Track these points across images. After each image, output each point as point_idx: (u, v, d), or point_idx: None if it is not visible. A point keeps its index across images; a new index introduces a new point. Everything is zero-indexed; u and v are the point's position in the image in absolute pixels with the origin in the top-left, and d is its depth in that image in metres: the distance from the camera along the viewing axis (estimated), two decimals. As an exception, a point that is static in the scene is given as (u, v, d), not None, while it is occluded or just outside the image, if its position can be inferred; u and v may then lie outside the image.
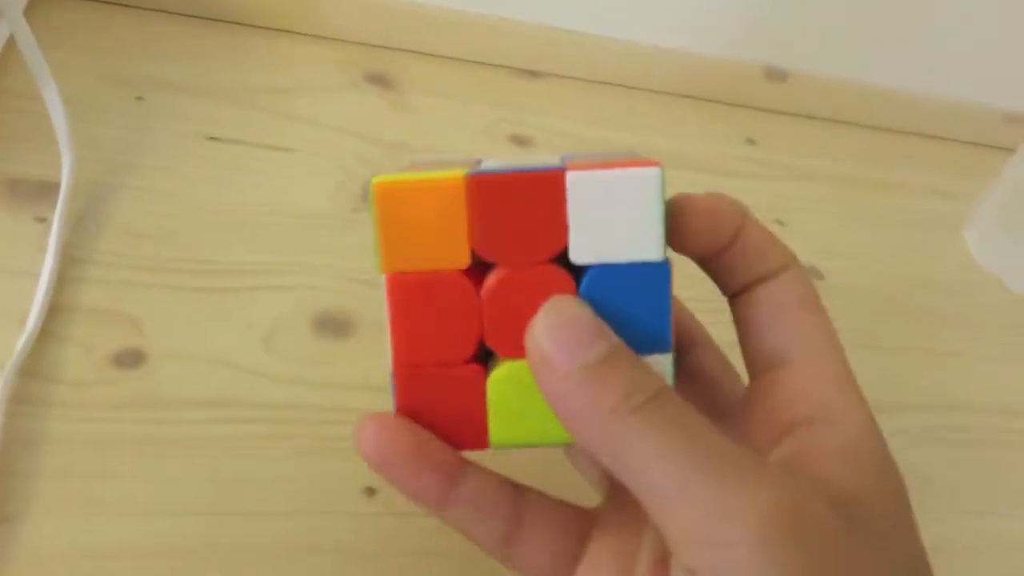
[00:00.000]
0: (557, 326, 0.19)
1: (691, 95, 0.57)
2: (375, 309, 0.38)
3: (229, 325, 0.36)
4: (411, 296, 0.20)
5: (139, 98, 0.44)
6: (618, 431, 0.18)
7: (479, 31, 0.53)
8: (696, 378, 0.25)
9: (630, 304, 0.20)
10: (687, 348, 0.25)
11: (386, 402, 0.34)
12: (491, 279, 0.20)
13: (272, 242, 0.39)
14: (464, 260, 0.20)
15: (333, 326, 0.37)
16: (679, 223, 0.21)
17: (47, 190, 0.37)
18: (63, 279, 0.35)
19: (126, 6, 0.48)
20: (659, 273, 0.20)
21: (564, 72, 0.55)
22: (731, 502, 0.17)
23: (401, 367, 0.21)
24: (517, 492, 0.22)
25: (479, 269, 0.20)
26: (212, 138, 0.43)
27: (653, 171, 0.19)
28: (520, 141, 0.50)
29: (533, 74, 0.54)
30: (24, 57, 0.37)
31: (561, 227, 0.20)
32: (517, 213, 0.20)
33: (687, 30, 0.55)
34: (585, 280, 0.20)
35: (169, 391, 0.33)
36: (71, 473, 0.30)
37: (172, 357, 0.34)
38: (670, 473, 0.17)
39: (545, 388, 0.19)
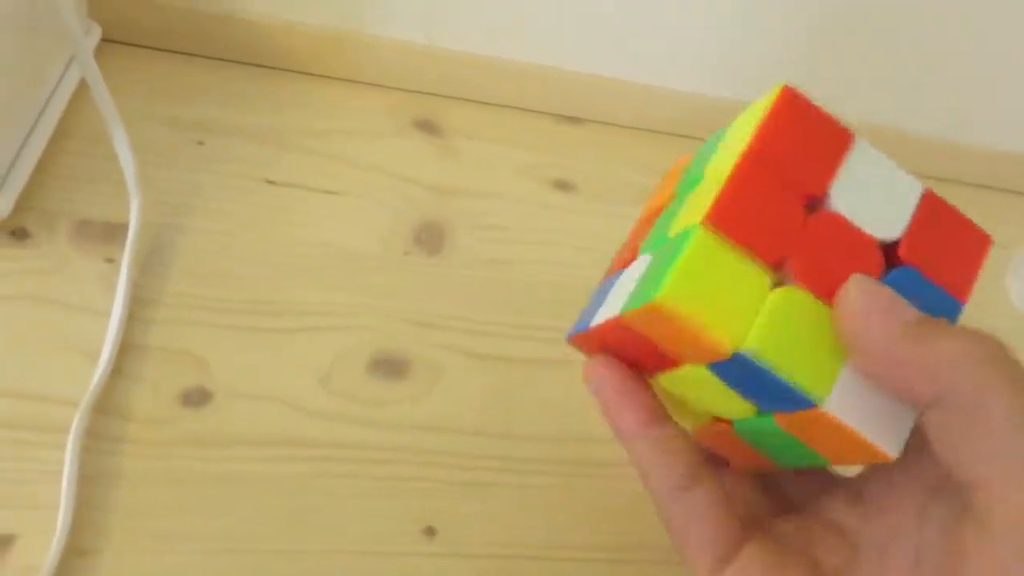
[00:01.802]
0: (874, 293, 0.20)
1: (728, 141, 0.58)
2: (428, 350, 0.39)
3: (288, 365, 0.36)
4: (753, 186, 0.22)
5: (199, 143, 0.45)
6: (959, 374, 0.19)
7: (523, 79, 0.54)
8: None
9: (923, 302, 0.21)
10: None
11: (442, 442, 0.35)
12: (822, 214, 0.22)
13: (327, 283, 0.40)
14: (766, 283, 0.21)
15: (388, 367, 0.38)
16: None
17: (115, 231, 0.39)
18: (131, 318, 0.36)
19: (186, 54, 0.50)
20: (952, 308, 0.22)
21: (605, 119, 0.56)
22: None
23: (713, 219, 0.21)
24: (702, 458, 0.23)
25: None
26: (269, 181, 0.44)
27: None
28: (562, 186, 0.51)
29: (575, 120, 0.56)
30: (95, 101, 0.39)
31: (903, 220, 0.22)
32: (756, 206, 0.21)
33: (723, 77, 0.57)
34: (893, 273, 0.22)
35: (234, 429, 0.34)
36: (143, 509, 0.30)
37: (236, 396, 0.35)
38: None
39: (872, 344, 0.20)
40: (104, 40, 0.47)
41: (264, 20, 0.50)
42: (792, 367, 0.20)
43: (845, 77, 0.57)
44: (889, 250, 0.22)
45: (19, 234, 0.37)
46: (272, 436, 0.34)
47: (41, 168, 0.39)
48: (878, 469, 0.23)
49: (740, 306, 0.20)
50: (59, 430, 0.31)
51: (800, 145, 0.22)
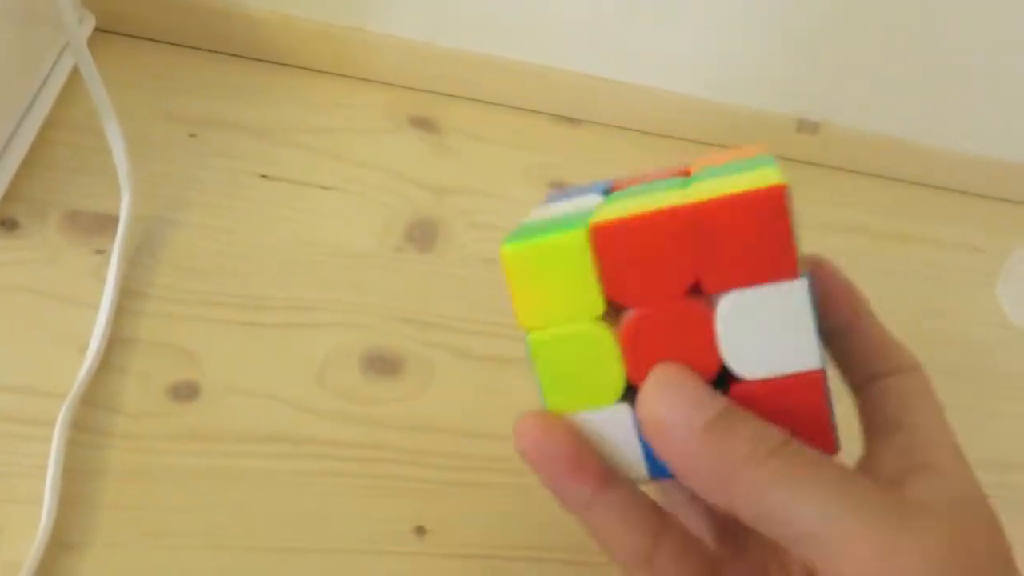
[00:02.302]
0: (669, 391, 0.19)
1: (723, 144, 0.58)
2: (422, 349, 0.39)
3: (281, 361, 0.36)
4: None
5: (192, 135, 0.45)
6: (757, 478, 0.18)
7: (520, 78, 0.54)
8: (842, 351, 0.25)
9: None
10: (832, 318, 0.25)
11: (433, 441, 0.35)
12: (627, 320, 0.20)
13: (321, 280, 0.40)
14: (599, 308, 0.20)
15: (381, 364, 0.37)
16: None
17: (105, 223, 0.38)
18: (121, 311, 0.35)
19: (180, 45, 0.50)
20: (798, 292, 0.20)
21: (602, 120, 0.56)
22: (901, 542, 0.17)
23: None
24: (660, 515, 0.22)
25: (614, 312, 0.21)
26: (263, 176, 0.44)
27: (798, 284, 0.20)
28: (558, 186, 0.51)
29: (572, 121, 0.56)
30: (88, 91, 0.39)
31: (689, 263, 0.20)
32: (646, 254, 0.20)
33: (722, 81, 0.57)
34: (720, 309, 0.20)
35: (224, 424, 0.33)
36: (130, 504, 0.30)
37: (226, 391, 0.34)
38: (828, 517, 0.17)
39: (668, 452, 0.19)
40: (97, 30, 0.46)
41: (262, 14, 0.50)
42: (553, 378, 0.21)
43: (837, 81, 0.57)
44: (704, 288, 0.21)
45: (8, 224, 0.37)
46: (263, 432, 0.33)
47: (31, 158, 0.39)
48: None
49: (561, 306, 0.20)
50: (45, 423, 0.31)
51: (742, 244, 0.20)
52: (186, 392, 0.34)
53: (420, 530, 0.33)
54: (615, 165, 0.53)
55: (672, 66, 0.55)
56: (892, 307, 0.50)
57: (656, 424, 0.19)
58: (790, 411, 0.20)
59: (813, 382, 0.20)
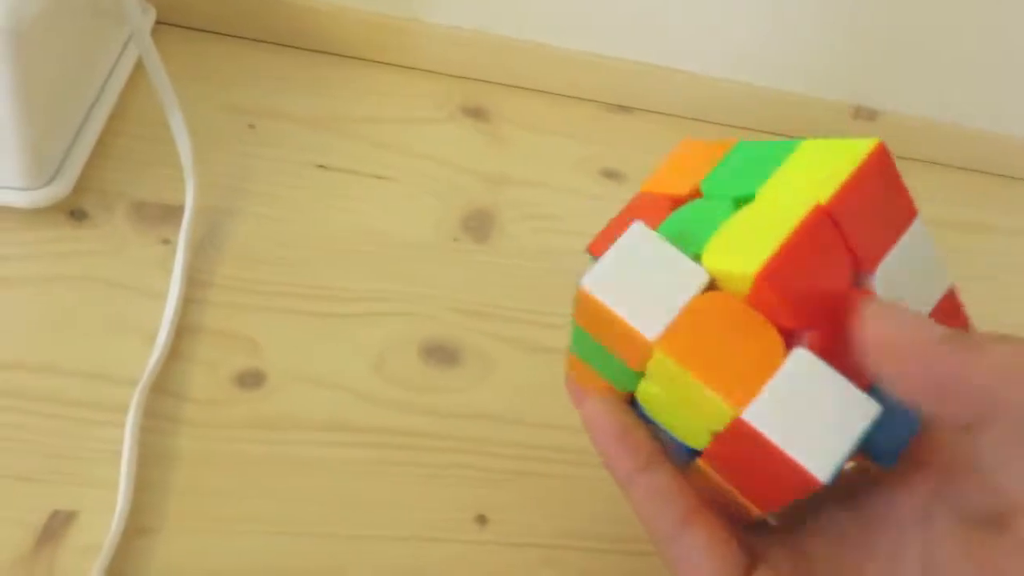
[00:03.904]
0: (895, 308, 0.20)
1: (781, 133, 0.57)
2: (480, 339, 0.39)
3: (341, 350, 0.37)
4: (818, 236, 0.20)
5: (251, 126, 0.45)
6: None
7: (571, 67, 0.54)
8: None
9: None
10: None
11: (493, 430, 0.35)
12: (811, 342, 0.20)
13: (379, 270, 0.40)
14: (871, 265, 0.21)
15: (440, 354, 0.38)
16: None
17: (170, 213, 0.39)
18: (186, 300, 0.36)
19: (238, 37, 0.50)
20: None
21: (653, 108, 0.56)
22: None
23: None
24: (696, 504, 0.22)
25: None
26: (320, 166, 0.45)
27: (917, 222, 0.20)
28: (611, 175, 0.51)
29: (624, 109, 0.55)
30: (152, 83, 0.39)
31: (845, 256, 0.20)
32: (814, 272, 0.20)
33: (778, 68, 0.56)
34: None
35: (288, 412, 0.34)
36: (200, 490, 0.31)
37: (290, 379, 0.35)
38: None
39: (911, 351, 0.19)
40: (158, 22, 0.47)
41: (317, 5, 0.50)
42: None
43: (894, 68, 0.56)
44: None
45: (78, 215, 0.38)
46: (326, 421, 0.34)
47: (99, 150, 0.40)
48: (872, 481, 0.23)
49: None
50: (118, 409, 0.31)
51: (873, 211, 0.20)
52: (252, 380, 0.34)
53: (482, 519, 0.33)
54: (665, 153, 0.53)
55: (726, 53, 0.55)
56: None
57: (895, 334, 0.19)
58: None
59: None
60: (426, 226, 0.43)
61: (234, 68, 0.48)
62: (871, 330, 0.19)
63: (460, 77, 0.53)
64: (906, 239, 0.21)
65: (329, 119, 0.47)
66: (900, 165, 0.64)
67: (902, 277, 0.20)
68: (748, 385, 0.19)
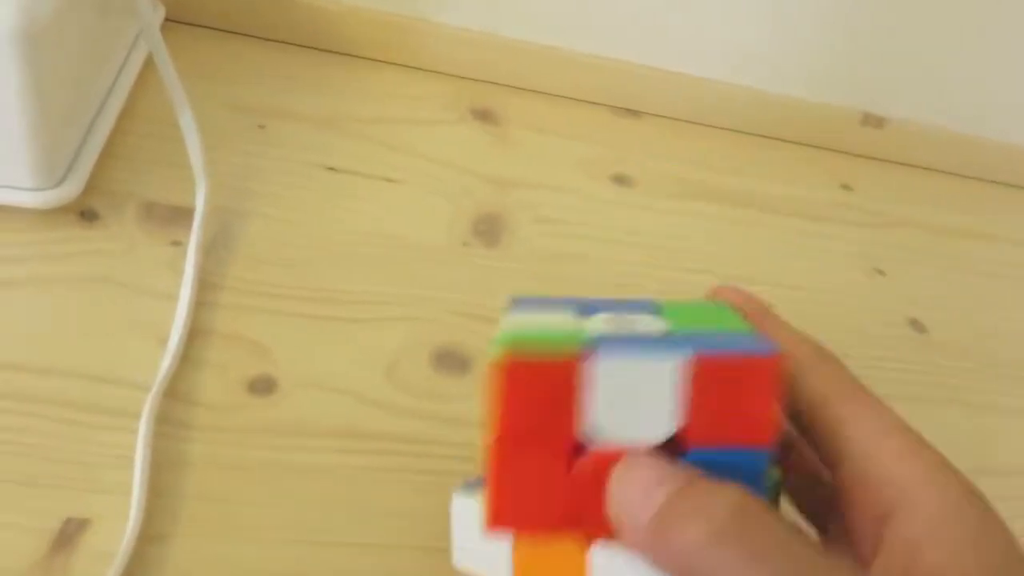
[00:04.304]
0: (625, 484, 0.19)
1: (787, 139, 0.57)
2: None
3: (352, 355, 0.36)
4: (517, 463, 0.21)
5: (261, 126, 0.45)
6: (706, 566, 0.17)
7: (580, 69, 0.54)
8: (797, 479, 0.25)
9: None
10: (781, 453, 0.25)
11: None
12: (586, 459, 0.20)
13: (390, 274, 0.40)
14: (572, 439, 0.20)
15: (452, 361, 0.38)
16: None
17: (180, 215, 0.39)
18: (197, 303, 0.36)
19: (247, 35, 0.50)
20: (759, 462, 0.20)
21: (663, 112, 0.56)
22: None
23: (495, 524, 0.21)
24: None
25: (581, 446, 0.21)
26: (330, 168, 0.44)
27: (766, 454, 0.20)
28: (620, 180, 0.50)
29: (633, 113, 0.55)
30: (163, 81, 0.39)
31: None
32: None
33: (786, 73, 0.56)
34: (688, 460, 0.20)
35: (299, 419, 0.34)
36: (212, 496, 0.30)
37: (301, 385, 0.35)
38: None
39: (630, 546, 0.19)
40: (167, 20, 0.47)
41: (326, 4, 0.50)
42: None
43: (903, 75, 0.56)
44: (678, 443, 0.20)
45: (88, 215, 0.37)
46: (338, 427, 0.34)
47: (108, 148, 0.39)
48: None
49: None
50: (130, 414, 0.31)
51: (540, 401, 0.20)
52: (263, 386, 0.34)
53: (494, 528, 0.33)
54: (675, 159, 0.53)
55: (734, 58, 0.55)
56: (964, 306, 0.49)
57: (616, 520, 0.19)
58: None
59: None
60: (436, 229, 0.43)
61: (243, 67, 0.48)
62: (609, 499, 0.20)
63: (469, 78, 0.53)
64: (592, 383, 0.20)
65: (338, 119, 0.47)
66: (905, 173, 0.65)
67: (621, 410, 0.20)
68: None
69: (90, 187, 0.37)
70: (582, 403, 0.20)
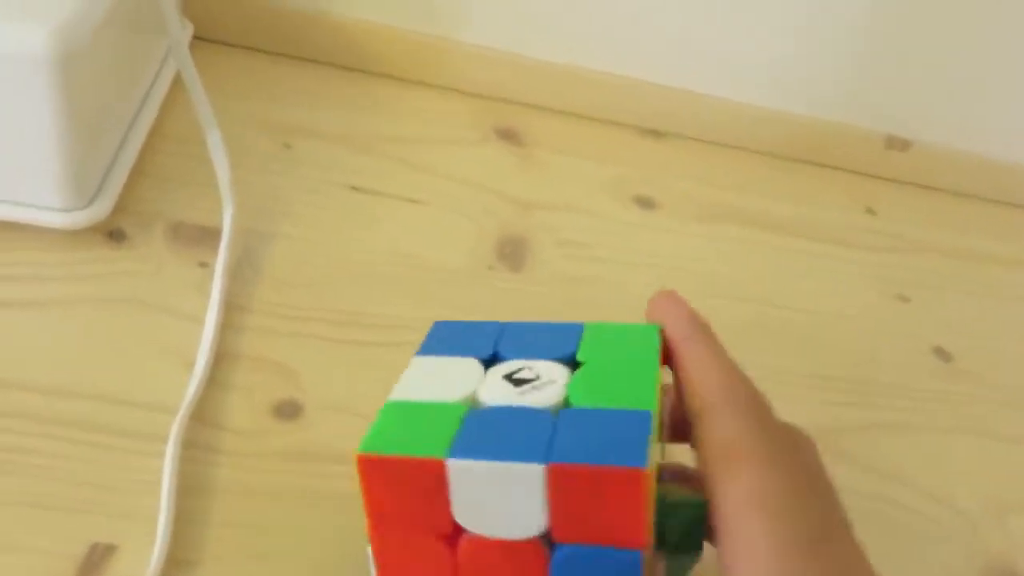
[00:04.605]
0: None
1: (811, 160, 0.57)
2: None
3: (377, 380, 0.36)
4: (398, 551, 0.22)
5: (287, 145, 0.45)
6: None
7: (603, 89, 0.54)
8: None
9: None
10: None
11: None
12: (464, 544, 0.21)
13: (414, 296, 0.40)
14: (446, 527, 0.21)
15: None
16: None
17: (207, 235, 0.39)
18: (223, 325, 0.36)
19: (272, 53, 0.50)
20: (633, 563, 0.20)
21: (687, 133, 0.55)
22: None
23: None
24: None
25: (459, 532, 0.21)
26: (354, 188, 0.44)
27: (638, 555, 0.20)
28: (643, 202, 0.50)
29: (657, 134, 0.55)
30: (191, 101, 0.39)
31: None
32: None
33: (810, 95, 0.55)
34: (557, 557, 0.20)
35: (325, 445, 0.34)
36: (238, 523, 0.30)
37: (326, 409, 0.35)
38: None
39: None
40: (193, 37, 0.47)
41: (352, 23, 0.50)
42: None
43: (928, 98, 0.56)
44: (545, 538, 0.21)
45: (116, 236, 0.38)
46: (362, 453, 0.34)
47: (136, 167, 0.40)
48: None
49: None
50: (157, 438, 0.31)
51: (407, 497, 0.21)
52: (289, 411, 0.34)
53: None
54: (698, 180, 0.53)
55: (759, 79, 0.54)
56: (991, 333, 0.49)
57: None
58: None
59: None
60: (460, 251, 0.43)
61: (270, 84, 0.48)
62: None
63: (492, 98, 0.53)
64: (456, 483, 0.21)
65: (363, 138, 0.47)
66: (930, 196, 0.64)
67: (487, 509, 0.21)
68: None
69: (118, 207, 0.37)
70: (445, 498, 0.21)
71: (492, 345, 0.25)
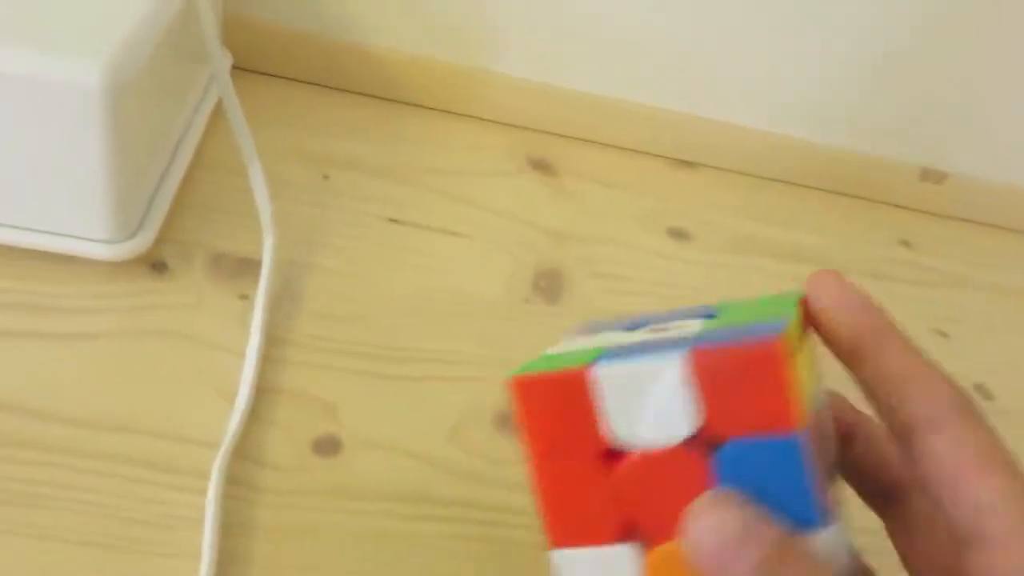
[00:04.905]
0: (718, 526, 0.19)
1: (845, 192, 0.57)
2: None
3: (416, 415, 0.36)
4: (557, 478, 0.21)
5: (325, 176, 0.45)
6: None
7: (637, 120, 0.54)
8: (860, 473, 0.24)
9: (770, 481, 0.19)
10: (846, 443, 0.24)
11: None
12: (625, 463, 0.21)
13: (451, 330, 0.40)
14: (602, 446, 0.21)
15: (515, 423, 0.37)
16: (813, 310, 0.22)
17: (247, 267, 0.39)
18: (264, 359, 0.36)
19: (310, 83, 0.50)
20: (792, 449, 0.19)
21: (719, 164, 0.55)
22: None
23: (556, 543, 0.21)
24: None
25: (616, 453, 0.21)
26: (392, 220, 0.44)
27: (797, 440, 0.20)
28: (677, 234, 0.50)
29: (689, 164, 0.55)
30: (232, 132, 0.39)
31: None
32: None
33: (842, 126, 0.55)
34: (719, 459, 0.20)
35: (363, 482, 0.33)
36: (280, 562, 0.30)
37: (365, 446, 0.34)
38: None
39: None
40: (234, 67, 0.47)
41: (388, 54, 0.50)
42: None
43: (963, 130, 0.55)
44: (703, 437, 0.20)
45: (159, 267, 0.38)
46: (402, 491, 0.33)
47: (178, 198, 0.40)
48: None
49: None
50: (199, 474, 0.31)
51: (560, 418, 0.21)
52: (328, 447, 0.34)
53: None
54: (731, 212, 0.52)
55: (791, 110, 0.54)
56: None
57: (707, 560, 0.19)
58: None
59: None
60: (498, 285, 0.43)
61: (309, 115, 0.48)
62: (694, 557, 0.19)
63: (527, 128, 0.53)
64: (602, 393, 0.20)
65: (401, 169, 0.47)
66: (969, 229, 0.63)
67: (636, 415, 0.20)
68: None
69: (160, 237, 0.38)
70: (597, 413, 0.20)
71: (630, 324, 0.25)
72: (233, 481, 0.32)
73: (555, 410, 0.20)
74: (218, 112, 0.44)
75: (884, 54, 0.52)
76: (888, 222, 0.56)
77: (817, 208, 0.55)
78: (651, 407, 0.20)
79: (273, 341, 0.37)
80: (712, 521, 0.19)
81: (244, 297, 0.38)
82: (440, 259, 0.43)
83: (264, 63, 0.50)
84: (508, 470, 0.35)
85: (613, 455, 0.21)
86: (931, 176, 0.57)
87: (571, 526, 0.21)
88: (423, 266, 0.43)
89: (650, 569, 0.21)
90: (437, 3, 0.49)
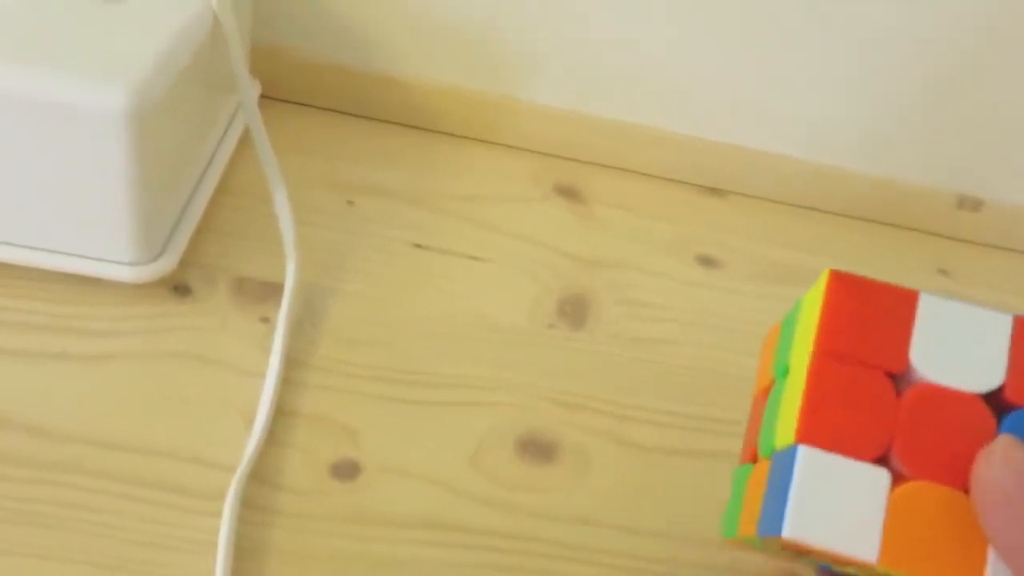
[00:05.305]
0: (1004, 472, 0.19)
1: (878, 220, 0.56)
2: (576, 434, 0.37)
3: (436, 441, 0.35)
4: (836, 379, 0.21)
5: (350, 202, 0.45)
6: None
7: (665, 147, 0.53)
8: None
9: None
10: None
11: (593, 536, 0.33)
12: (918, 391, 0.21)
13: (474, 355, 0.39)
14: (899, 365, 0.21)
15: (536, 449, 0.36)
16: None
17: (270, 291, 0.39)
18: (284, 381, 0.35)
19: (336, 111, 0.51)
20: None
21: (749, 191, 0.54)
22: None
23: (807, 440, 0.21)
24: None
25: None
26: (416, 245, 0.44)
27: None
28: (706, 262, 0.49)
29: (718, 192, 0.54)
30: (259, 158, 0.40)
31: (996, 365, 0.20)
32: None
33: (876, 153, 0.54)
34: (1007, 421, 0.20)
35: (382, 507, 0.33)
36: (294, 588, 0.29)
37: (385, 471, 0.34)
38: None
39: (1003, 523, 0.18)
40: (261, 96, 0.48)
41: (413, 80, 0.51)
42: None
43: (1000, 156, 0.54)
44: (995, 397, 0.20)
45: (181, 290, 0.38)
46: (420, 518, 0.33)
47: (202, 222, 0.40)
48: None
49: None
50: (214, 496, 0.31)
51: (865, 325, 0.21)
52: (347, 471, 0.33)
53: (583, 636, 0.31)
54: (763, 240, 0.51)
55: (822, 136, 0.53)
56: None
57: (1000, 493, 0.19)
58: None
59: None
60: (522, 311, 0.42)
61: (333, 143, 0.49)
62: (980, 495, 0.19)
63: (555, 156, 0.53)
64: (923, 321, 0.21)
65: (425, 195, 0.47)
66: (1008, 258, 0.62)
67: (946, 354, 0.21)
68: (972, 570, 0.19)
69: (183, 261, 0.38)
70: (908, 332, 0.21)
71: None
72: (249, 504, 0.31)
73: (866, 315, 0.21)
74: (246, 139, 0.44)
75: (917, 79, 0.51)
76: (924, 250, 0.55)
77: (848, 236, 0.54)
78: (962, 352, 0.20)
79: (294, 364, 0.36)
80: (1016, 462, 0.19)
81: (265, 320, 0.38)
82: (464, 284, 0.43)
83: (292, 92, 0.50)
84: (529, 497, 0.34)
85: (897, 379, 0.21)
86: (968, 204, 0.55)
87: (832, 429, 0.21)
88: (447, 291, 0.42)
89: (897, 499, 0.20)
90: (464, 31, 0.49)
